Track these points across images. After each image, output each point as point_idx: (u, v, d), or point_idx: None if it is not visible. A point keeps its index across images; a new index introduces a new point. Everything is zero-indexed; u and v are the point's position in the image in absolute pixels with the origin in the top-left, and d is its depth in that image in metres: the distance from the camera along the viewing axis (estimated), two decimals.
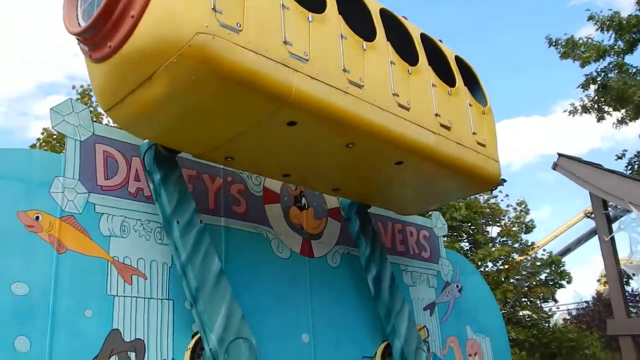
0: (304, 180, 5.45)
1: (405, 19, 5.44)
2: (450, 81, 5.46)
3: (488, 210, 19.60)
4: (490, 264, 19.12)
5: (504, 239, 19.77)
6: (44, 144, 14.84)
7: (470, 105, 5.63)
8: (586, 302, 26.49)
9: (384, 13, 5.02)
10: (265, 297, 5.18)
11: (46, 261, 4.07)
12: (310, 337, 5.43)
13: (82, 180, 4.43)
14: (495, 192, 20.30)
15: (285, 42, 3.87)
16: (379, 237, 6.17)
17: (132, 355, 4.27)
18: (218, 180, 5.25)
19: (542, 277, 19.83)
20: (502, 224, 20.04)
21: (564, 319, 25.99)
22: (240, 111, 3.97)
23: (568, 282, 20.03)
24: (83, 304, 4.13)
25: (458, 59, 5.81)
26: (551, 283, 19.84)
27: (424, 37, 5.45)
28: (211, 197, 5.18)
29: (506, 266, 18.89)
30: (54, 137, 14.65)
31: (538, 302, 20.03)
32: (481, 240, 18.96)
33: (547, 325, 20.28)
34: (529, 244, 20.08)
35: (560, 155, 13.16)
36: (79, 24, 3.94)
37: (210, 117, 4.01)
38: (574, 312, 26.66)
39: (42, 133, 15.12)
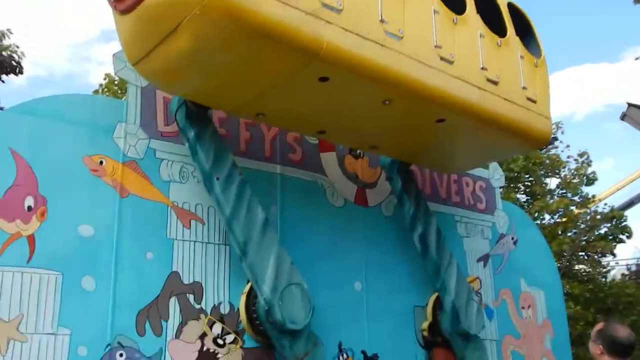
0: (340, 138, 5.30)
1: None
2: (500, 31, 5.13)
3: (547, 161, 19.10)
4: (547, 217, 18.78)
5: (563, 191, 19.30)
6: (105, 89, 15.21)
7: (521, 57, 5.29)
8: None
9: None
10: (319, 245, 5.25)
11: (109, 204, 4.22)
12: (363, 285, 5.50)
13: (143, 126, 4.52)
14: (555, 143, 19.74)
15: None
16: (422, 195, 6.06)
17: (191, 297, 4.43)
18: (274, 127, 5.27)
19: (602, 231, 19.33)
20: (562, 175, 19.53)
21: (622, 274, 25.41)
22: (269, 65, 3.81)
23: (628, 237, 19.47)
24: (144, 246, 4.29)
25: (511, 6, 5.45)
26: (611, 237, 19.35)
27: None
28: (267, 144, 5.22)
29: (564, 219, 18.50)
30: (115, 83, 14.97)
31: (596, 256, 19.62)
32: (539, 192, 18.57)
33: (603, 280, 19.90)
34: (590, 196, 19.54)
35: (630, 105, 12.60)
36: None
37: (237, 71, 3.89)
38: (633, 268, 26.00)
39: (105, 79, 15.48)
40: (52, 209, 4.00)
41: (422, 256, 5.82)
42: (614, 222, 19.18)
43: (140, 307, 4.17)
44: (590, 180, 19.62)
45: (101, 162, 4.27)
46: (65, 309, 3.88)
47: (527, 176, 18.72)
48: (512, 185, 18.39)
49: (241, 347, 4.57)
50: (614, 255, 20.22)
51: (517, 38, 5.34)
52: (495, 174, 7.53)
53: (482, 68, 4.80)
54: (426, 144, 5.46)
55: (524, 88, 5.19)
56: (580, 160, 19.67)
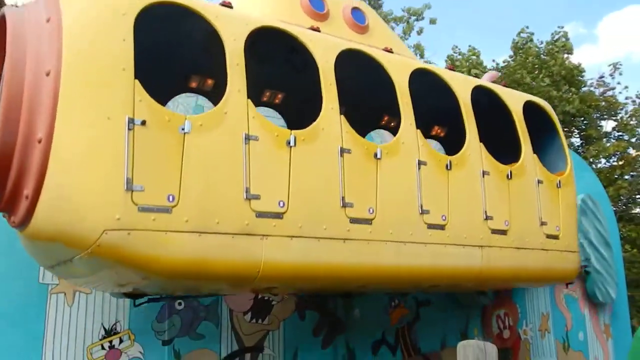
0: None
1: (453, 69, 4.05)
2: (511, 154, 4.20)
3: (603, 103, 18.42)
4: (603, 160, 18.24)
5: (620, 133, 18.65)
6: None
7: (539, 182, 4.27)
8: None
9: (412, 77, 3.60)
10: None
11: None
12: None
13: None
14: (612, 84, 19.01)
15: (248, 198, 2.83)
16: None
17: None
18: None
19: None
20: (619, 117, 18.84)
21: None
22: (199, 289, 3.23)
23: None
24: None
25: (529, 105, 4.41)
26: None
27: (479, 91, 4.03)
28: None
29: (621, 162, 17.93)
30: None
31: None
32: (594, 135, 17.99)
33: None
34: None
35: None
36: None
37: (163, 289, 3.28)
38: None
39: None
40: None
41: None
42: None
43: None
44: None
45: None
46: None
47: (581, 119, 18.11)
48: (566, 129, 17.84)
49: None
50: None
51: (535, 157, 4.31)
52: None
53: (487, 218, 3.86)
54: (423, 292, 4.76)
55: (542, 224, 4.24)
56: (638, 101, 18.92)
